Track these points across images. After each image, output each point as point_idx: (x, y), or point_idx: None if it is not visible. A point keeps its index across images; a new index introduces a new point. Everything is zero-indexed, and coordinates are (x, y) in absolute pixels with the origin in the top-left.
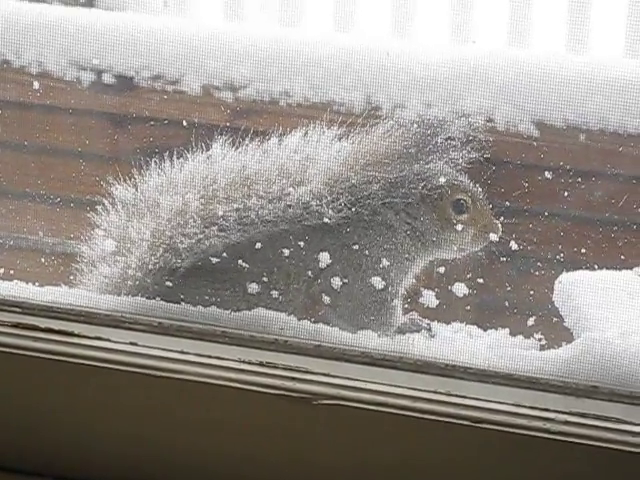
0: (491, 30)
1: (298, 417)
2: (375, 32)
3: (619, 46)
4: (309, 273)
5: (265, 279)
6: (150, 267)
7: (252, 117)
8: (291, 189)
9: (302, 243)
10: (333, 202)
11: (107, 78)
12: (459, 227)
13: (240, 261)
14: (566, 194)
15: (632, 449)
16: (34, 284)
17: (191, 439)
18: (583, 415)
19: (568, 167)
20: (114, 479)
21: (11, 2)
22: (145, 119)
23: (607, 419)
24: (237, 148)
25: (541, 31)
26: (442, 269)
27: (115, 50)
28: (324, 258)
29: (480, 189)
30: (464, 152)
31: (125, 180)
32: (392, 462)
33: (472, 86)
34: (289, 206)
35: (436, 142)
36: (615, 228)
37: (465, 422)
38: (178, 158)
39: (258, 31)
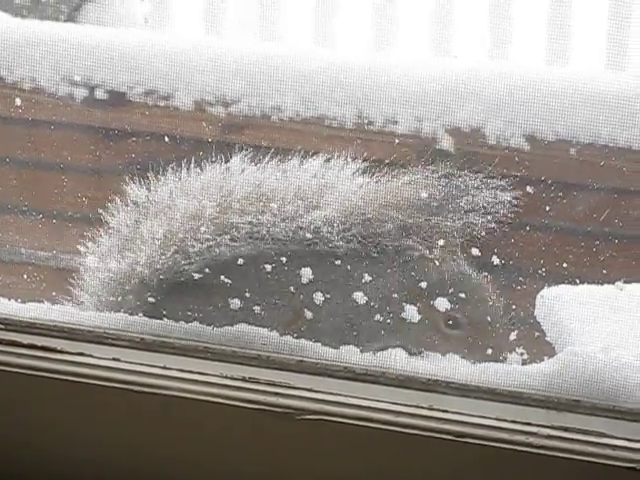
0: (471, 44)
1: (281, 432)
2: (355, 47)
3: (600, 59)
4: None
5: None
6: (159, 267)
7: (244, 132)
8: (305, 212)
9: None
10: (344, 232)
11: (100, 94)
12: None
13: (223, 277)
14: (548, 208)
15: (614, 463)
16: (16, 300)
17: (174, 454)
18: (565, 429)
19: (550, 181)
20: None
21: (3, 17)
22: (137, 134)
23: (589, 433)
24: (256, 164)
25: (521, 44)
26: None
27: (107, 66)
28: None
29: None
30: (484, 220)
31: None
32: (375, 477)
33: (463, 100)
34: (300, 228)
35: (459, 204)
36: (597, 242)
37: (447, 437)
38: (195, 168)
39: (248, 46)
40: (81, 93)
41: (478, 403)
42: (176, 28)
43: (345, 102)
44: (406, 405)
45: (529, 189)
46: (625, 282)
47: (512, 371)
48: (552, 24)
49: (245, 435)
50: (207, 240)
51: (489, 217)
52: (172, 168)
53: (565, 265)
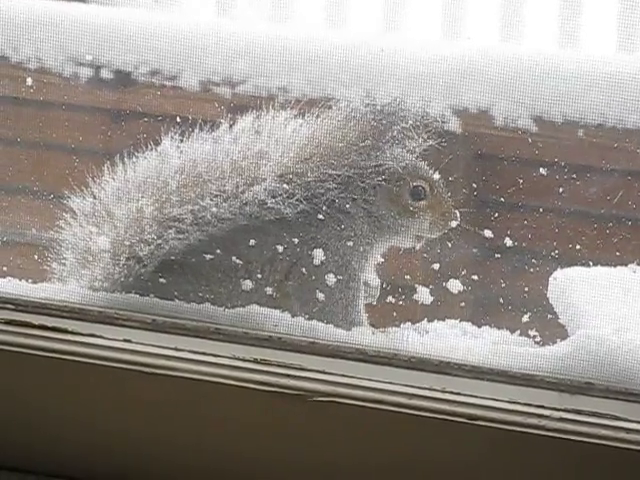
0: (483, 26)
1: (293, 414)
2: (366, 28)
3: (611, 41)
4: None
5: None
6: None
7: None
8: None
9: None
10: (289, 198)
11: (105, 73)
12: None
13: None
14: (561, 190)
15: (627, 446)
16: (27, 281)
17: (185, 436)
18: (578, 412)
19: (564, 163)
20: (107, 476)
21: None
22: (141, 115)
23: (602, 416)
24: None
25: (532, 26)
26: (437, 265)
27: (113, 46)
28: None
29: (439, 176)
30: (420, 140)
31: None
32: (387, 459)
33: (470, 82)
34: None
35: (392, 132)
36: (610, 224)
37: (460, 419)
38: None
39: (255, 27)
40: (86, 73)
41: (491, 386)
42: (186, 7)
43: (352, 83)
44: (419, 387)
45: (542, 171)
46: (638, 264)
47: (525, 353)
48: (564, 6)
49: (256, 417)
50: (154, 240)
51: (424, 136)
52: (107, 168)
53: (578, 247)
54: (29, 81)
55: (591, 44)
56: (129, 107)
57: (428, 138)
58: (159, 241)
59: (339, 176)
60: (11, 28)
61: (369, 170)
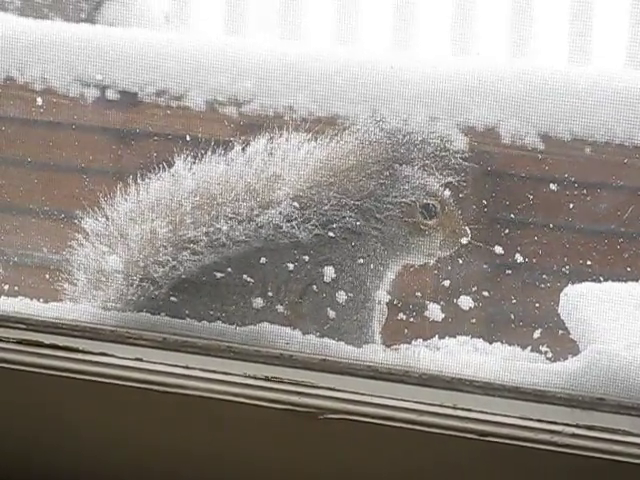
0: (492, 42)
1: (304, 432)
2: (376, 45)
3: (620, 57)
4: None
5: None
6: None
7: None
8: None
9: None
10: (305, 223)
11: (111, 94)
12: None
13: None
14: (571, 206)
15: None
16: (39, 300)
17: (197, 454)
18: (590, 428)
19: (573, 179)
20: None
21: (15, 19)
22: (149, 135)
23: (614, 431)
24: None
25: (542, 42)
26: (447, 282)
27: (119, 66)
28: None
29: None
30: (439, 176)
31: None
32: (399, 476)
33: (477, 99)
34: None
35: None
36: (621, 240)
37: (471, 435)
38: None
39: (262, 46)
40: (93, 94)
41: (502, 402)
42: (197, 26)
43: (360, 101)
44: (430, 404)
45: (552, 187)
46: None
47: (536, 369)
48: (573, 22)
49: (268, 435)
50: (168, 261)
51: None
52: (119, 188)
53: (589, 263)
54: (39, 101)
55: (600, 59)
56: (138, 126)
57: (443, 161)
58: (173, 263)
59: (354, 204)
60: (19, 49)
61: (384, 194)
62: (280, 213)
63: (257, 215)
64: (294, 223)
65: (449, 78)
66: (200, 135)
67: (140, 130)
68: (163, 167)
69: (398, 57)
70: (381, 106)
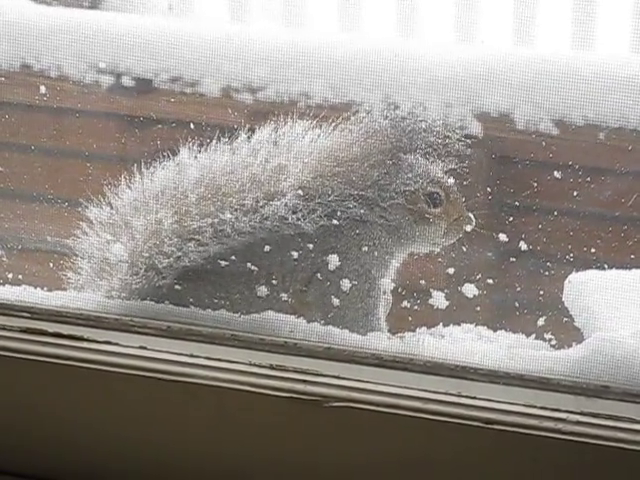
0: (496, 29)
1: (309, 420)
2: (379, 33)
3: (624, 43)
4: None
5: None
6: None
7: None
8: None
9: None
10: (310, 214)
11: (126, 81)
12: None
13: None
14: (576, 193)
15: None
16: (43, 289)
17: (201, 443)
18: (595, 415)
19: (578, 166)
20: None
21: (29, 5)
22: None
23: (619, 419)
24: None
25: (546, 29)
26: (452, 270)
27: (133, 53)
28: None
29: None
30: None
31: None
32: (403, 464)
33: (491, 85)
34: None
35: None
36: (625, 227)
37: (476, 423)
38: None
39: (276, 33)
40: (107, 80)
41: (507, 389)
42: (200, 14)
43: (374, 88)
44: (434, 392)
45: (557, 174)
46: None
47: (540, 357)
48: (577, 8)
49: (273, 423)
50: (173, 252)
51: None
52: (124, 178)
53: (593, 250)
54: (45, 89)
55: (605, 46)
56: (145, 114)
57: (450, 147)
58: (179, 253)
59: (359, 194)
60: (31, 36)
61: (388, 183)
62: (285, 205)
63: (262, 206)
64: (299, 215)
65: (462, 65)
66: (212, 123)
67: (148, 117)
68: (167, 155)
69: (410, 45)
70: (396, 93)
